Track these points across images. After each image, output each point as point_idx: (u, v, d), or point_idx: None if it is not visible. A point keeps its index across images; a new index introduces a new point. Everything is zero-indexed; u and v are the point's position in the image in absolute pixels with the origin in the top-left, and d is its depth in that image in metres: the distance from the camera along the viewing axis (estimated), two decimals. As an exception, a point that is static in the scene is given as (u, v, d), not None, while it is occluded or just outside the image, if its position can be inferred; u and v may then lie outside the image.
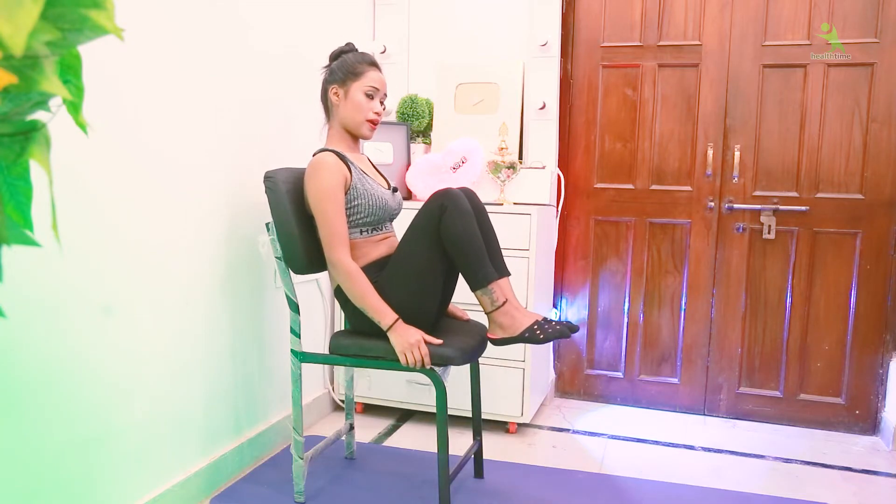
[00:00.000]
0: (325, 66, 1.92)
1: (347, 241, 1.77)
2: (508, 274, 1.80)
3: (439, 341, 1.73)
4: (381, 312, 1.73)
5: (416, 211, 1.78)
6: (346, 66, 1.86)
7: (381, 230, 1.89)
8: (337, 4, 2.63)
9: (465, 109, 2.73)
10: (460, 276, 1.88)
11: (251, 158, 2.08)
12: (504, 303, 1.74)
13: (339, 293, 1.86)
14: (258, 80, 2.12)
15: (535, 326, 1.73)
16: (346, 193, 1.79)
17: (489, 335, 1.79)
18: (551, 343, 2.86)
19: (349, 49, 1.91)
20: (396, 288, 1.76)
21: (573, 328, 1.73)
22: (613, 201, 2.80)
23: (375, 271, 1.81)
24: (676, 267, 2.75)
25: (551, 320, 1.75)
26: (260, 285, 2.15)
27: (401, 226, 2.34)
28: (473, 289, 1.74)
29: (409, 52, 2.87)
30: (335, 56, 1.91)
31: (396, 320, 1.73)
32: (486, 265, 1.73)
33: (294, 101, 2.30)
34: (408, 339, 1.70)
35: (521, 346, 2.38)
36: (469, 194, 1.84)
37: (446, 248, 1.73)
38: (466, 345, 1.79)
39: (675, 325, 2.77)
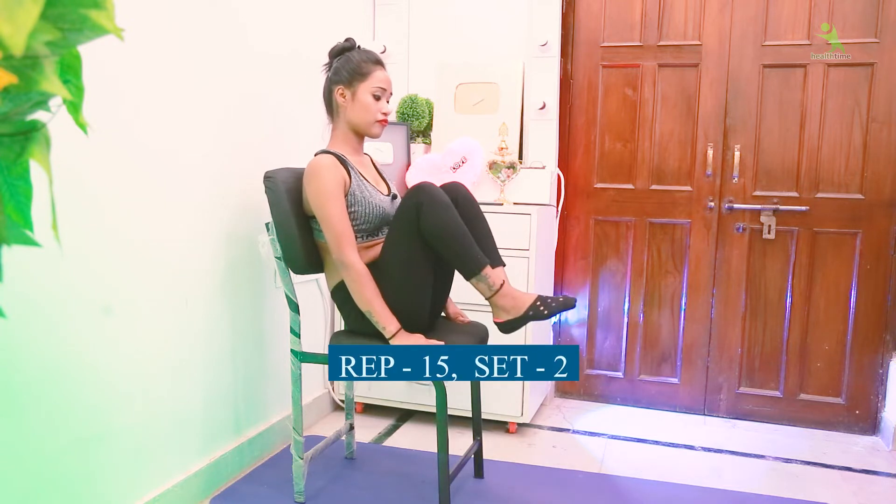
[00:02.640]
0: (327, 65, 1.90)
1: (355, 241, 1.76)
2: (503, 264, 1.79)
3: (441, 343, 1.73)
4: (387, 319, 1.72)
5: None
6: (351, 66, 1.83)
7: (378, 235, 1.88)
8: (337, 4, 2.63)
9: (465, 109, 2.73)
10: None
11: (251, 158, 2.08)
12: (502, 285, 1.73)
13: (336, 293, 1.86)
14: (258, 81, 2.12)
15: (538, 303, 1.73)
16: (344, 197, 1.79)
17: (495, 320, 1.78)
18: (551, 342, 2.86)
19: (351, 46, 1.87)
20: (385, 290, 1.74)
21: (573, 299, 1.74)
22: (613, 201, 2.80)
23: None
24: (676, 267, 2.75)
25: (550, 296, 1.76)
26: (260, 285, 2.15)
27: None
28: (466, 278, 1.74)
29: (409, 52, 2.87)
30: (337, 53, 1.87)
31: (399, 329, 1.73)
32: (475, 253, 1.72)
33: (294, 102, 2.30)
34: (413, 343, 1.71)
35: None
36: (451, 186, 1.83)
37: (430, 244, 1.71)
38: (466, 344, 1.78)
39: (675, 325, 2.77)
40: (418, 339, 1.72)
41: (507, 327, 1.77)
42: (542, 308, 1.73)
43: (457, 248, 1.70)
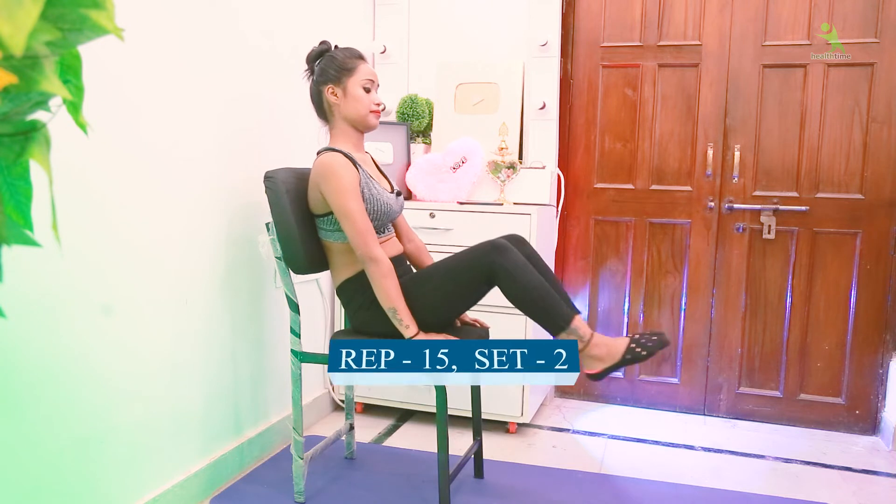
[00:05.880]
0: (307, 70, 1.90)
1: (377, 236, 1.77)
2: (578, 311, 1.74)
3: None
4: (410, 319, 1.73)
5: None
6: (337, 64, 1.84)
7: (384, 233, 1.89)
8: (337, 4, 2.63)
9: (465, 109, 2.73)
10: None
11: (251, 158, 2.08)
12: (592, 335, 1.70)
13: (342, 290, 1.86)
14: (259, 81, 2.12)
15: (633, 345, 1.68)
16: None
17: (587, 371, 1.71)
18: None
19: (328, 47, 1.89)
20: (416, 300, 1.75)
21: (665, 336, 1.70)
22: (613, 201, 2.80)
23: None
24: (676, 267, 2.75)
25: (643, 334, 1.71)
26: (260, 285, 2.15)
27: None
28: (555, 335, 1.70)
29: (409, 52, 2.87)
30: (315, 57, 1.88)
31: (419, 332, 1.74)
32: (561, 307, 1.69)
33: (295, 101, 2.30)
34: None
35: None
36: (518, 240, 1.82)
37: (514, 304, 1.71)
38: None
39: (675, 325, 2.77)
40: (439, 335, 1.74)
41: (600, 377, 1.71)
42: (638, 350, 1.67)
43: (543, 308, 1.69)
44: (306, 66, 1.91)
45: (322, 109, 1.90)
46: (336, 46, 1.90)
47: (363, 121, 1.86)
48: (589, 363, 1.71)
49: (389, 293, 1.72)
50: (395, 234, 1.99)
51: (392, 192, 1.95)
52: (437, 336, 1.75)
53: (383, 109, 1.94)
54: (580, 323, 1.70)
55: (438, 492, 1.75)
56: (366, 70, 1.86)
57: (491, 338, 1.99)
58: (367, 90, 1.86)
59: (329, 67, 1.85)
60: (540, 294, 1.68)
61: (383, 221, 1.86)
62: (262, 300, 2.17)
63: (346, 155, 1.80)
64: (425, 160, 2.65)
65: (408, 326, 1.73)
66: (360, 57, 1.88)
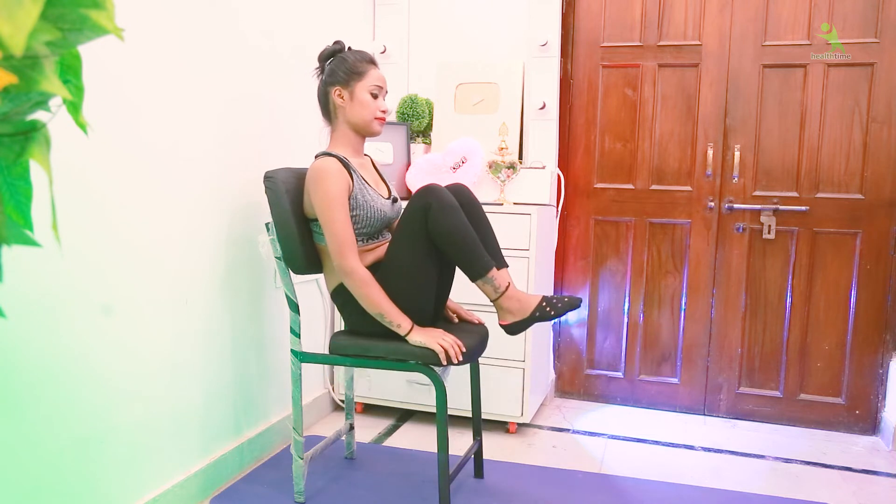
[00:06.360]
0: (318, 69, 1.90)
1: (356, 248, 1.76)
2: (506, 265, 1.80)
3: (453, 337, 1.75)
4: (400, 317, 1.73)
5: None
6: (347, 67, 1.84)
7: (377, 238, 1.89)
8: (337, 4, 2.63)
9: (465, 109, 2.73)
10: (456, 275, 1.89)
11: (251, 158, 2.08)
12: (507, 287, 1.75)
13: (336, 295, 1.86)
14: (259, 81, 2.12)
15: (544, 303, 1.75)
16: (347, 201, 1.79)
17: (501, 322, 1.79)
18: (551, 342, 2.86)
19: (341, 48, 1.88)
20: (392, 290, 1.75)
21: (579, 299, 1.77)
22: (613, 201, 2.80)
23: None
24: (676, 267, 2.75)
25: (555, 296, 1.78)
26: (260, 285, 2.15)
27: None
28: (473, 280, 1.75)
29: (409, 52, 2.87)
30: (327, 56, 1.88)
31: (413, 326, 1.74)
32: (482, 255, 1.73)
33: (295, 101, 2.30)
34: (433, 335, 1.72)
35: (520, 345, 2.38)
36: (456, 189, 1.84)
37: (438, 246, 1.73)
38: (468, 344, 1.79)
39: (675, 325, 2.77)
40: (435, 333, 1.74)
41: (512, 329, 1.79)
42: (548, 309, 1.75)
43: (464, 251, 1.72)
44: (317, 64, 1.90)
45: (327, 110, 1.90)
46: (349, 48, 1.89)
47: (367, 126, 1.86)
48: (501, 314, 1.79)
49: (372, 300, 1.72)
50: (390, 238, 1.98)
51: (389, 197, 1.93)
52: (433, 330, 1.75)
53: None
54: (498, 274, 1.75)
55: (438, 492, 1.75)
56: (375, 75, 1.86)
57: (489, 337, 1.99)
58: (375, 96, 1.85)
59: (339, 69, 1.84)
60: (464, 238, 1.71)
61: (377, 227, 1.86)
62: (262, 300, 2.17)
63: (341, 160, 1.79)
64: (425, 160, 2.65)
65: (399, 325, 1.73)
66: (372, 62, 1.87)
